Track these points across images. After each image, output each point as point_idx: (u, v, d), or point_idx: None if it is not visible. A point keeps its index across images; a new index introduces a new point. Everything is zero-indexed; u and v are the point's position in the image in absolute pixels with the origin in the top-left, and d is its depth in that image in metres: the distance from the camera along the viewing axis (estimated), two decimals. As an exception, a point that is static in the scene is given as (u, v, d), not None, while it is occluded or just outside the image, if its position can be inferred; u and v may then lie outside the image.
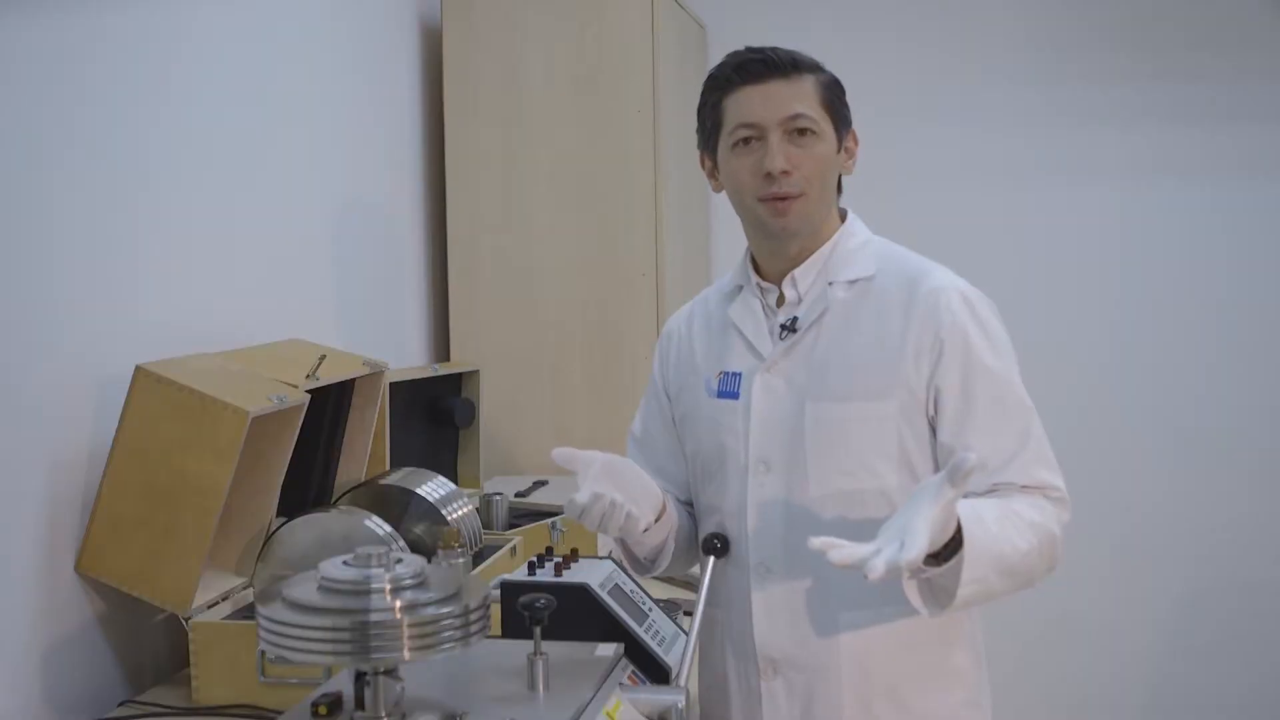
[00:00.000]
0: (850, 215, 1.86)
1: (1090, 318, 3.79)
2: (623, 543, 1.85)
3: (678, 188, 3.36)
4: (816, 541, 1.49)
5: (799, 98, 1.74)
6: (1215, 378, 3.77)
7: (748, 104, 1.75)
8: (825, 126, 1.75)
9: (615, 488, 1.68)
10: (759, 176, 1.74)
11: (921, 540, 1.44)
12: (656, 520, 1.78)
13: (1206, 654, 3.80)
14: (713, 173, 1.85)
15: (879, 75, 3.70)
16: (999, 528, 1.59)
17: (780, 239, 1.78)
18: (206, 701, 1.96)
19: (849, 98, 1.81)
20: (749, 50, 1.78)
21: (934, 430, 1.73)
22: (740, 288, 1.87)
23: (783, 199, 1.73)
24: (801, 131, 1.73)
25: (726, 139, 1.78)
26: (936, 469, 1.72)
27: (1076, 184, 3.79)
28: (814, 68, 1.78)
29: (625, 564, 1.91)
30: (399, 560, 1.41)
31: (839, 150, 1.79)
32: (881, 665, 1.75)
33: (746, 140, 1.75)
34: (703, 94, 1.82)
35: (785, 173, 1.72)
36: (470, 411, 3.09)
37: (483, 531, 2.50)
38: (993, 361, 1.72)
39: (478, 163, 3.35)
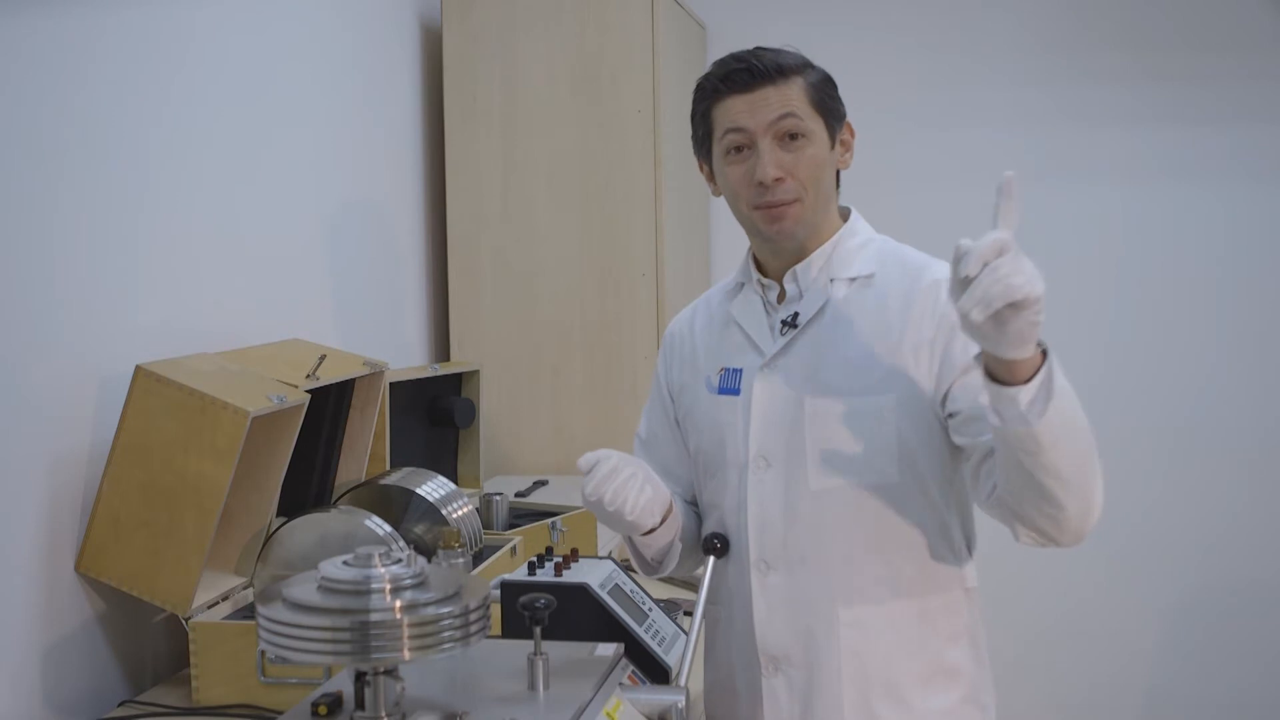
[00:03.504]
0: (853, 214, 1.85)
1: (1090, 317, 3.79)
2: (631, 544, 1.85)
3: (678, 188, 3.36)
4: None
5: (786, 102, 1.71)
6: (1215, 377, 3.77)
7: (735, 112, 1.73)
8: (816, 127, 1.73)
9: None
10: (751, 185, 1.73)
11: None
12: (663, 521, 1.78)
13: (1206, 654, 3.80)
14: (711, 178, 1.84)
15: (879, 75, 3.70)
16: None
17: (777, 243, 1.78)
18: (206, 701, 1.96)
19: (849, 98, 1.79)
20: (734, 58, 1.75)
21: (941, 425, 1.71)
22: (742, 284, 1.87)
23: (777, 206, 1.73)
24: (792, 136, 1.72)
25: (718, 146, 1.77)
26: (940, 464, 1.72)
27: (1076, 184, 3.79)
28: (800, 68, 1.74)
29: (634, 565, 1.91)
30: (399, 560, 1.41)
31: (833, 147, 1.77)
32: (882, 662, 1.74)
33: (738, 148, 1.74)
34: (693, 102, 1.81)
35: (778, 180, 1.71)
36: (470, 411, 3.09)
37: (483, 531, 2.50)
38: None
39: (478, 163, 3.35)
